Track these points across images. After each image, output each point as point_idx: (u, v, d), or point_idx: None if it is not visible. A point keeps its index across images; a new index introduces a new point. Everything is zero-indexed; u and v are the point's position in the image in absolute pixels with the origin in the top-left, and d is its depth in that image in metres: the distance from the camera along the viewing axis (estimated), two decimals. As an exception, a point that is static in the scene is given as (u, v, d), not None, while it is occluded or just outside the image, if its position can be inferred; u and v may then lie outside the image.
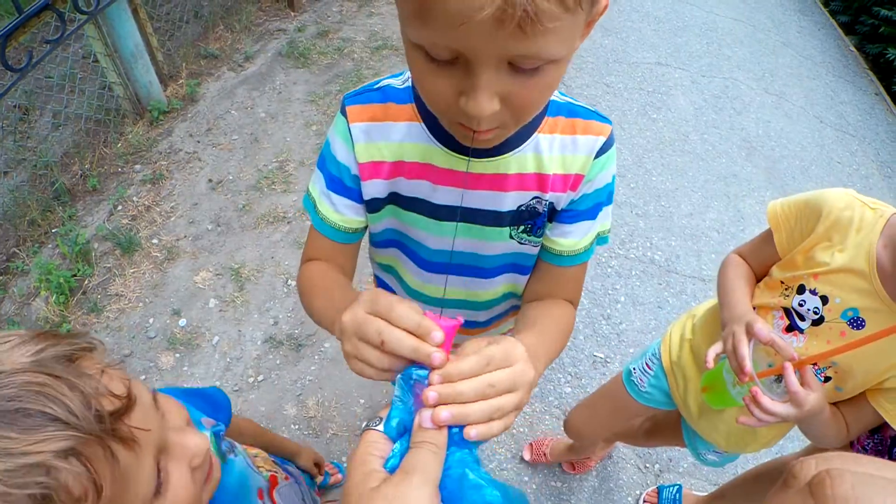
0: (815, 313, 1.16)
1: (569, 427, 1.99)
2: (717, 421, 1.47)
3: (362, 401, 2.50)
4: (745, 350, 1.10)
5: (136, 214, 3.05)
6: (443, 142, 0.92)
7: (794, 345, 1.20)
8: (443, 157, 0.93)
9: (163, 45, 3.65)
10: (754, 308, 1.28)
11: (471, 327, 1.29)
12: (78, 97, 3.24)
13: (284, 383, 2.50)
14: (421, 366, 0.63)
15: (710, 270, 3.06)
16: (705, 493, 2.16)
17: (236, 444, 1.16)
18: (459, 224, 1.00)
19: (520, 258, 1.08)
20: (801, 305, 1.19)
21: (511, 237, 1.02)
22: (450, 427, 0.61)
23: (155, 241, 2.93)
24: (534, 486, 2.31)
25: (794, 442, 2.26)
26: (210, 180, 3.25)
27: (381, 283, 1.32)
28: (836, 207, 1.14)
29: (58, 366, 0.60)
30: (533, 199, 0.96)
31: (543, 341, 0.87)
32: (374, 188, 0.99)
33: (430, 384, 0.61)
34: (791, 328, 1.22)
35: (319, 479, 1.71)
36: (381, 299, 0.65)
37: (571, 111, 0.95)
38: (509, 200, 0.96)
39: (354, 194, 1.01)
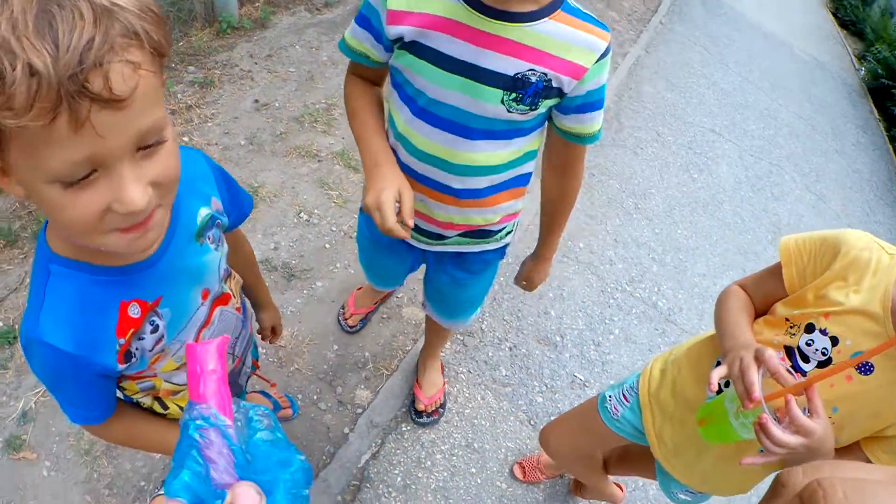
0: (823, 354, 1.08)
1: (541, 438, 1.94)
2: (693, 460, 1.38)
3: (335, 346, 2.42)
4: (755, 375, 1.00)
5: (175, 110, 3.01)
6: (467, 1, 1.07)
7: None
8: (465, 15, 1.07)
9: (251, -35, 3.64)
10: None
11: (444, 192, 1.31)
12: (157, -16, 3.21)
13: (267, 306, 2.43)
14: (203, 409, 0.55)
15: (708, 331, 2.98)
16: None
17: (224, 244, 1.09)
18: (460, 79, 1.12)
19: (501, 125, 1.18)
20: (808, 345, 1.10)
21: (502, 102, 1.13)
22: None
23: (185, 138, 2.88)
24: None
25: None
26: (256, 101, 3.21)
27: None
28: (856, 247, 1.08)
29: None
30: (528, 70, 1.09)
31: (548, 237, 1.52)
32: (396, 32, 1.12)
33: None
34: (793, 369, 1.13)
35: (269, 340, 1.62)
36: None
37: (582, 16, 1.12)
38: (510, 66, 1.09)
39: (376, 32, 1.17)
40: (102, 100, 0.57)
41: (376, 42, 1.18)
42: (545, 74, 1.10)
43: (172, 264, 0.90)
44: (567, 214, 1.47)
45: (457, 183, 1.27)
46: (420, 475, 2.19)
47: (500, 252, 1.58)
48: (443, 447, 2.26)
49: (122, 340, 0.88)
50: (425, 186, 1.30)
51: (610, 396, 1.60)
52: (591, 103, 1.18)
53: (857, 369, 1.04)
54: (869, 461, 1.07)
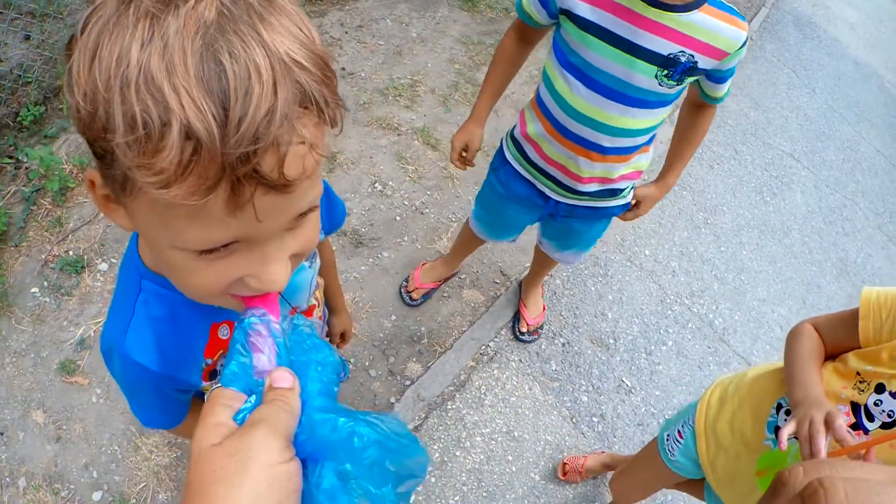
0: (889, 416, 1.05)
1: (614, 492, 2.01)
2: (746, 493, 1.35)
3: (394, 317, 2.44)
4: (822, 442, 0.98)
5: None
6: None
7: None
8: (629, 0, 1.27)
9: (356, -65, 3.63)
10: None
11: (593, 149, 1.50)
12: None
13: (333, 269, 2.46)
14: (256, 311, 0.54)
15: (758, 358, 2.90)
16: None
17: (318, 259, 1.08)
18: (621, 53, 1.31)
19: (652, 96, 1.38)
20: (876, 405, 1.06)
21: (655, 76, 1.33)
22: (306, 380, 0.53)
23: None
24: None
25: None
26: (343, 69, 3.22)
27: (538, 98, 1.59)
28: None
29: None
30: (678, 52, 1.29)
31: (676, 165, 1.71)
32: (570, 4, 1.33)
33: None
34: (855, 426, 1.10)
35: (337, 345, 1.60)
36: None
37: (725, 8, 1.31)
38: (665, 47, 1.29)
39: (548, 4, 1.40)
40: (272, 185, 0.47)
41: (542, 8, 1.42)
42: (692, 56, 1.30)
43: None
44: (694, 148, 1.68)
45: (606, 142, 1.47)
46: (458, 454, 2.19)
47: (625, 207, 1.77)
48: (484, 430, 2.26)
49: (209, 360, 0.85)
50: (576, 144, 1.50)
51: (667, 437, 1.59)
52: (724, 77, 1.42)
53: None
54: None
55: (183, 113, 0.41)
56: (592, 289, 2.78)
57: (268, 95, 0.44)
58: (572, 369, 2.50)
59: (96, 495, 1.90)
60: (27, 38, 2.75)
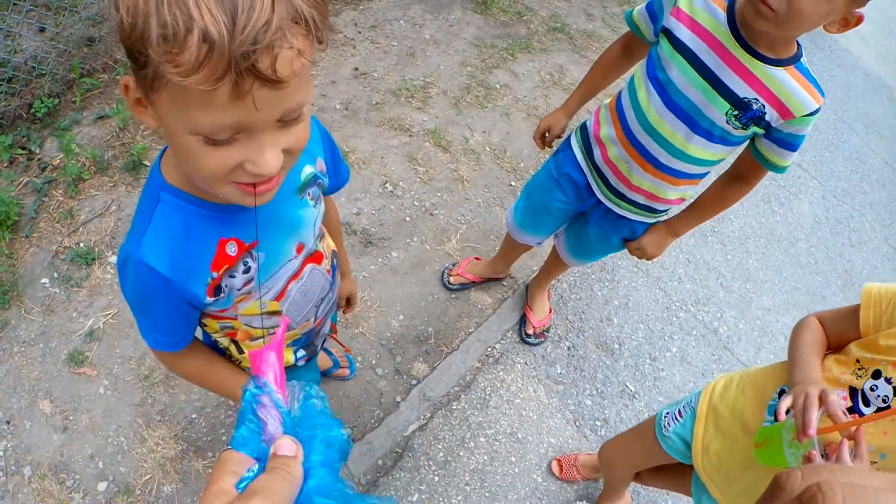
0: (884, 401, 1.09)
1: (601, 455, 1.97)
2: (736, 475, 1.38)
3: (401, 317, 2.43)
4: (815, 414, 1.04)
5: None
6: (732, 30, 1.35)
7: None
8: (726, 38, 1.35)
9: (372, -64, 3.63)
10: None
11: (650, 162, 1.58)
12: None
13: (342, 267, 2.46)
14: (258, 380, 0.57)
15: (766, 363, 2.88)
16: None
17: (322, 203, 1.12)
18: (704, 82, 1.40)
19: (717, 130, 1.44)
20: (872, 390, 1.11)
21: (725, 113, 1.39)
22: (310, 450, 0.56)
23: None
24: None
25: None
26: (356, 69, 3.22)
27: (618, 102, 1.67)
28: None
29: None
30: (753, 98, 1.36)
31: (690, 218, 1.73)
32: (673, 24, 1.43)
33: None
34: (852, 410, 1.14)
35: (342, 312, 1.65)
36: None
37: (809, 77, 1.36)
38: (743, 90, 1.36)
39: (654, 17, 1.51)
40: (266, 79, 0.60)
41: (651, 23, 1.53)
42: (763, 106, 1.36)
43: (273, 212, 0.93)
44: (715, 213, 1.73)
45: (664, 158, 1.55)
46: (461, 454, 2.19)
47: (646, 226, 1.84)
48: (488, 431, 2.26)
49: (215, 274, 0.91)
50: (637, 153, 1.58)
51: (666, 413, 1.61)
52: (788, 143, 1.43)
53: None
54: None
55: (202, 21, 0.55)
56: (599, 294, 2.77)
57: (266, 10, 0.57)
58: (577, 373, 2.49)
59: (101, 486, 1.90)
60: (42, 30, 2.76)
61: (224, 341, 1.18)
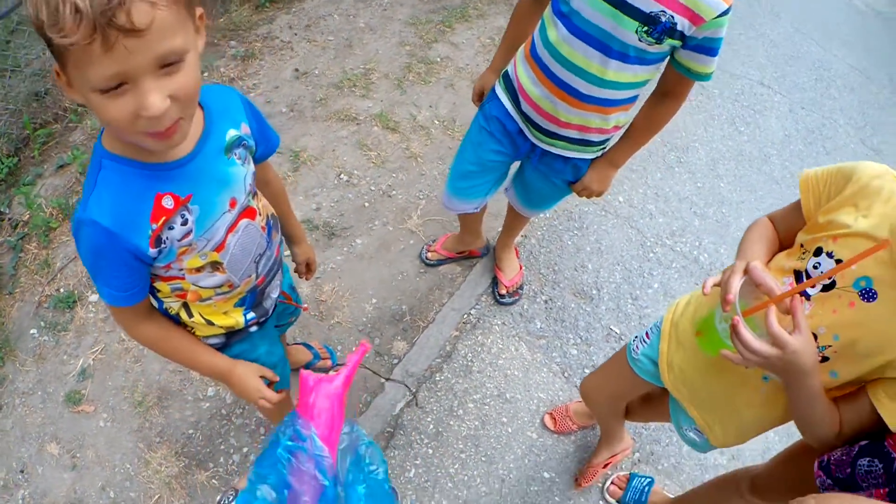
0: (829, 278, 1.05)
1: (582, 391, 1.96)
2: (699, 385, 1.40)
3: (374, 300, 2.43)
4: (736, 279, 1.04)
5: (220, 83, 3.04)
6: None
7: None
8: None
9: (290, -64, 3.61)
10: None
11: (574, 96, 1.56)
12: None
13: (307, 262, 2.46)
14: (301, 428, 0.49)
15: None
16: (673, 496, 2.01)
17: (251, 164, 1.20)
18: (609, 7, 1.37)
19: (632, 50, 1.43)
20: (815, 268, 1.08)
21: (636, 31, 1.38)
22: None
23: (230, 106, 2.90)
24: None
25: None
26: (296, 70, 3.21)
27: (532, 45, 1.65)
28: (867, 174, 1.06)
29: None
30: (659, 11, 1.34)
31: (627, 145, 1.75)
32: None
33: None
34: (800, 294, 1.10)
35: (304, 276, 1.72)
36: None
37: None
38: (648, 5, 1.34)
39: None
40: (126, 30, 0.73)
41: None
42: (672, 17, 1.34)
43: (202, 168, 1.05)
44: (651, 135, 1.72)
45: (585, 89, 1.53)
46: (452, 423, 2.18)
47: (588, 163, 1.83)
48: (475, 396, 2.25)
49: (154, 226, 1.01)
50: (560, 89, 1.57)
51: (635, 338, 1.62)
52: (706, 48, 1.41)
53: (860, 296, 1.01)
54: (874, 408, 1.03)
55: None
56: (569, 243, 2.75)
57: None
58: (558, 325, 2.47)
59: (113, 514, 1.93)
60: (-10, 95, 2.76)
61: (175, 305, 1.24)
